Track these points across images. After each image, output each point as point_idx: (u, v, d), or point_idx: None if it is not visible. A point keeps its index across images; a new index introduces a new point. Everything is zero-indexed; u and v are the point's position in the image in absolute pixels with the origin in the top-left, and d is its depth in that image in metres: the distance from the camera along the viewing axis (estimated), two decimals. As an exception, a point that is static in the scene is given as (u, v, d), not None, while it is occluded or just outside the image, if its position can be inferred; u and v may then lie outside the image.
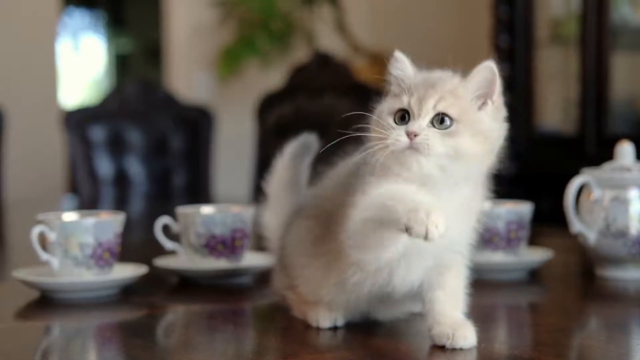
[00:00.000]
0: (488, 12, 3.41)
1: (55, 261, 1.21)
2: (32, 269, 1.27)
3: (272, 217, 1.20)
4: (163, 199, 3.09)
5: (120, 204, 2.89)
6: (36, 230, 1.21)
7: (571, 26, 3.29)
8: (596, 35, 3.12)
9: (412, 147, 0.93)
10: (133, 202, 3.00)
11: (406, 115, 0.95)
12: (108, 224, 1.23)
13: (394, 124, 0.95)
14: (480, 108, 0.96)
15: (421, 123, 0.94)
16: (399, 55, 1.00)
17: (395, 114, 0.95)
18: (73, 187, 3.60)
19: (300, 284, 1.07)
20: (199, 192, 3.17)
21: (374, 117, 0.97)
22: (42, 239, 1.22)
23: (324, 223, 1.03)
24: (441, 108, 0.94)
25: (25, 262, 1.37)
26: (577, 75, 3.20)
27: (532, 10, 3.33)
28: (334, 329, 1.04)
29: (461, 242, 0.99)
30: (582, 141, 3.15)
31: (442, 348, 0.95)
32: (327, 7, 4.34)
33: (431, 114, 0.94)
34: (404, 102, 0.95)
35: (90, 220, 1.23)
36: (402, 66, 0.99)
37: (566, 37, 3.35)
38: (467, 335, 0.95)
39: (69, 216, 1.25)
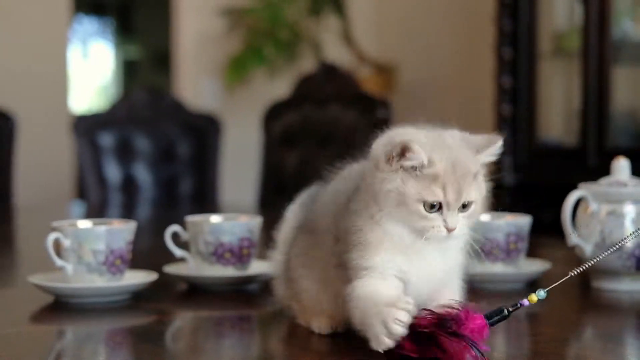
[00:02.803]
0: (492, 24, 3.45)
1: (69, 267, 1.25)
2: (46, 275, 1.31)
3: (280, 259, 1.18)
4: (170, 205, 3.13)
5: (127, 209, 2.93)
6: (51, 237, 1.24)
7: (573, 39, 3.32)
8: (598, 49, 3.16)
9: (450, 236, 0.97)
10: (140, 208, 3.03)
11: (438, 204, 0.96)
12: (120, 232, 1.27)
13: (425, 213, 0.96)
14: (476, 174, 0.99)
15: (456, 216, 0.97)
16: (412, 146, 0.95)
17: (425, 203, 0.96)
18: (81, 193, 3.64)
19: (302, 294, 1.10)
20: (206, 199, 3.20)
21: (389, 190, 0.96)
22: (57, 246, 1.26)
23: (319, 239, 1.06)
24: (471, 197, 0.97)
25: (35, 267, 1.40)
26: (578, 87, 3.23)
27: (535, 23, 3.37)
28: (336, 335, 1.07)
29: (451, 277, 1.03)
30: (584, 153, 3.18)
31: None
32: (333, 18, 4.38)
33: (461, 204, 0.97)
34: (438, 195, 0.95)
35: (103, 228, 1.27)
36: (418, 157, 0.96)
37: (568, 50, 3.38)
38: None
39: (83, 224, 1.29)
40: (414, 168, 0.96)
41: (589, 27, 3.16)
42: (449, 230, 0.96)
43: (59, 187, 4.26)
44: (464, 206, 0.97)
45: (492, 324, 0.97)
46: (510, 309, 0.99)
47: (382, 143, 0.98)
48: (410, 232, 0.97)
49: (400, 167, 0.96)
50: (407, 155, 0.95)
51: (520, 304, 0.99)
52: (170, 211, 2.90)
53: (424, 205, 0.96)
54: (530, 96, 3.37)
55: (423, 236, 0.96)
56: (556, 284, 1.04)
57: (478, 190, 0.98)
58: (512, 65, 3.37)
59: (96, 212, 2.73)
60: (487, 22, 3.54)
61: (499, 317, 0.98)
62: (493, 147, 0.99)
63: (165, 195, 3.24)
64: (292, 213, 1.19)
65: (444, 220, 0.96)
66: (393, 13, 4.50)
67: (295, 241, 1.12)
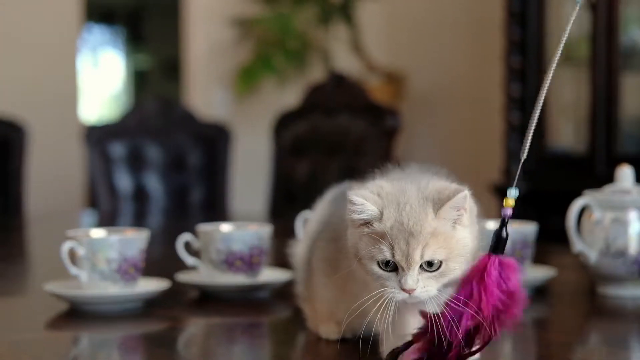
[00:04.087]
0: (501, 32, 3.46)
1: (83, 275, 1.27)
2: (61, 283, 1.34)
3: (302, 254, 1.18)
4: (180, 214, 3.15)
5: (138, 219, 2.95)
6: (66, 246, 1.27)
7: (582, 47, 3.34)
8: (606, 56, 3.17)
9: (412, 298, 0.91)
10: (151, 217, 3.05)
11: (393, 263, 0.91)
12: (133, 240, 1.30)
13: (380, 272, 0.91)
14: (454, 224, 0.92)
15: (413, 276, 0.90)
16: (355, 199, 0.92)
17: (380, 262, 0.91)
18: (92, 202, 3.66)
19: (318, 300, 1.11)
20: (216, 208, 3.22)
21: (350, 246, 0.94)
22: (71, 254, 1.29)
23: (335, 247, 1.06)
24: (428, 257, 0.90)
25: (49, 276, 1.43)
26: (587, 95, 3.24)
27: (543, 32, 3.38)
28: (344, 341, 1.09)
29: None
30: (592, 160, 3.19)
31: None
32: (342, 27, 4.41)
33: (419, 264, 0.90)
34: (386, 254, 0.90)
35: (117, 237, 1.30)
36: (363, 208, 0.92)
37: (577, 58, 3.40)
38: None
39: (97, 233, 1.31)
40: (367, 225, 0.92)
41: (598, 35, 3.18)
42: (406, 291, 0.90)
43: (70, 197, 4.29)
44: (430, 264, 0.91)
45: (499, 253, 0.90)
46: (504, 229, 0.91)
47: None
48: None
49: (359, 224, 0.92)
50: (356, 210, 0.92)
51: (506, 216, 0.92)
52: (181, 220, 2.92)
53: (378, 264, 0.91)
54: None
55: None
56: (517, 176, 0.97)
57: (445, 248, 0.90)
58: (521, 74, 3.39)
59: (107, 221, 2.76)
60: (496, 30, 3.56)
61: (499, 242, 0.90)
62: (452, 201, 0.91)
63: (175, 204, 3.26)
64: (321, 206, 1.18)
65: (399, 281, 0.90)
66: (402, 22, 4.52)
67: (319, 243, 1.11)
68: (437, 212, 0.91)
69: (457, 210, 0.92)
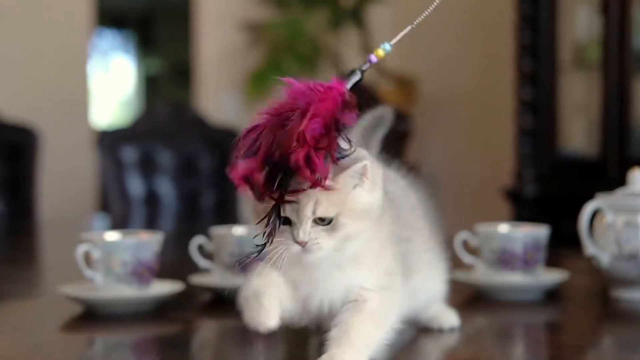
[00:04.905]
0: (512, 36, 3.47)
1: (98, 277, 1.29)
2: (76, 285, 1.35)
3: None
4: (192, 218, 3.16)
5: (150, 223, 2.96)
6: (81, 249, 1.28)
7: (594, 51, 3.34)
8: (618, 60, 3.17)
9: (305, 251, 0.93)
10: (163, 222, 3.07)
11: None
12: (148, 243, 1.31)
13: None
14: (355, 187, 0.94)
15: (305, 229, 0.92)
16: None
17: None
18: (104, 206, 3.68)
19: None
20: (227, 212, 3.23)
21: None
22: (86, 257, 1.30)
23: None
24: (319, 214, 0.92)
25: (62, 279, 1.44)
26: (599, 99, 3.24)
27: (555, 36, 3.38)
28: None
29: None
30: (604, 164, 3.19)
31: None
32: (353, 31, 4.42)
33: (311, 219, 0.92)
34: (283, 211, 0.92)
35: (131, 239, 1.31)
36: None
37: (589, 61, 3.40)
38: None
39: (112, 236, 1.32)
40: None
41: (610, 38, 3.18)
42: (299, 243, 0.92)
43: (82, 201, 4.30)
44: (323, 220, 0.92)
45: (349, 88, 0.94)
46: (363, 68, 0.96)
47: None
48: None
49: None
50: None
51: (370, 61, 0.97)
52: (193, 224, 2.93)
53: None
54: (551, 108, 3.38)
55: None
56: (400, 35, 1.02)
57: (337, 206, 0.92)
58: (532, 77, 3.39)
59: (119, 225, 2.77)
60: (507, 34, 3.57)
61: (353, 77, 0.94)
62: (350, 170, 0.92)
63: (187, 208, 3.27)
64: (355, 137, 1.17)
65: (292, 234, 0.92)
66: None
67: None
68: (335, 177, 0.92)
69: (358, 178, 0.93)
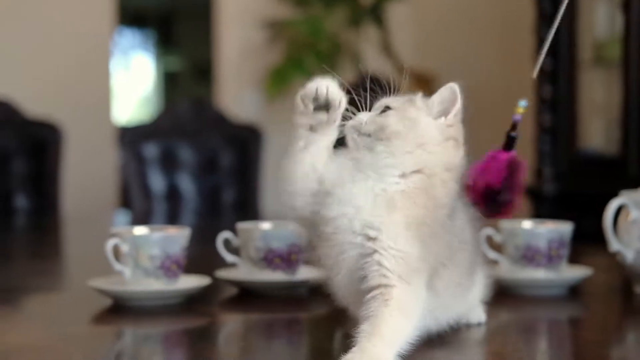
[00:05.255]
0: (531, 34, 3.46)
1: (127, 271, 1.30)
2: (105, 279, 1.37)
3: None
4: (213, 214, 3.18)
5: (171, 219, 2.98)
6: (111, 243, 1.30)
7: (614, 48, 3.33)
8: (639, 57, 3.16)
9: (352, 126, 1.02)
10: (184, 218, 3.09)
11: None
12: (176, 238, 1.32)
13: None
14: (433, 117, 1.03)
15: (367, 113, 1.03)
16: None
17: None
18: (125, 202, 3.70)
19: None
20: (248, 209, 3.25)
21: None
22: (116, 251, 1.31)
23: None
24: (387, 103, 1.03)
25: (88, 273, 1.45)
26: (619, 96, 3.23)
27: (575, 33, 3.38)
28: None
29: (387, 243, 0.97)
30: (625, 162, 3.18)
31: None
32: (373, 29, 4.42)
33: (379, 109, 1.03)
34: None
35: (160, 234, 1.32)
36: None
37: (609, 59, 3.39)
38: None
39: (140, 230, 1.34)
40: None
41: (630, 35, 3.17)
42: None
43: (104, 197, 4.34)
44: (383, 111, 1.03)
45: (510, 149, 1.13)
46: (514, 133, 1.14)
47: None
48: None
49: None
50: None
51: (516, 121, 1.15)
52: (213, 220, 2.95)
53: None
54: (571, 106, 3.38)
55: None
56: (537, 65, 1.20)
57: (404, 106, 1.04)
58: (552, 75, 3.38)
59: (141, 221, 2.79)
60: (526, 31, 3.56)
61: (511, 141, 1.13)
62: (444, 90, 1.08)
63: (208, 204, 3.29)
64: None
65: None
66: (432, 24, 4.53)
67: None
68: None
69: (444, 103, 1.07)
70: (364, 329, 0.94)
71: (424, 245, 0.98)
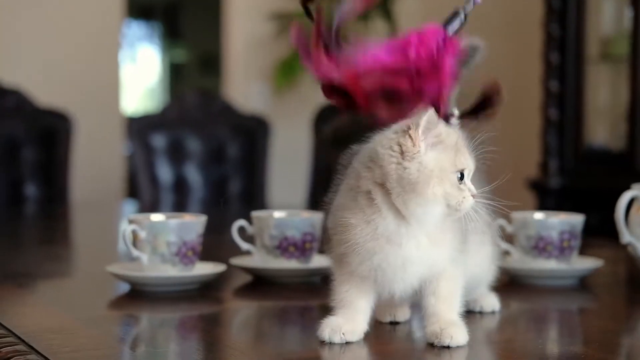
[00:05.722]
0: (540, 29, 3.47)
1: (144, 257, 1.32)
2: (122, 264, 1.38)
3: None
4: (219, 204, 3.20)
5: (178, 209, 3.00)
6: (129, 229, 1.32)
7: (622, 44, 3.34)
8: (646, 54, 3.17)
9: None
10: (191, 208, 3.10)
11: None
12: (192, 225, 1.34)
13: (459, 184, 0.97)
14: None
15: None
16: (434, 119, 0.97)
17: (457, 173, 0.98)
18: (133, 192, 3.72)
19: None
20: (254, 200, 3.26)
21: (426, 169, 0.96)
22: (134, 237, 1.33)
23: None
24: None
25: (101, 259, 1.48)
26: (626, 92, 3.24)
27: (582, 28, 3.38)
28: (396, 323, 1.12)
29: (443, 259, 1.02)
30: (631, 157, 3.19)
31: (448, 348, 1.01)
32: (381, 22, 4.43)
33: None
34: (464, 163, 0.98)
35: (177, 221, 1.34)
36: (436, 123, 0.97)
37: (616, 54, 3.40)
38: (453, 335, 0.99)
39: (157, 217, 1.36)
40: (438, 141, 0.96)
41: (638, 32, 3.18)
42: (474, 196, 0.97)
43: (111, 187, 4.35)
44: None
45: (449, 29, 1.01)
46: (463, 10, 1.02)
47: (389, 136, 0.97)
48: (433, 215, 0.97)
49: (427, 144, 0.95)
50: (432, 128, 0.95)
51: (475, 2, 1.02)
52: (221, 211, 2.97)
53: (457, 178, 0.97)
54: (578, 100, 3.39)
55: (454, 211, 0.96)
56: None
57: None
58: (559, 70, 3.39)
59: (148, 211, 2.81)
60: (535, 27, 3.57)
61: (455, 18, 1.01)
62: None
63: (215, 195, 3.31)
64: None
65: (469, 189, 0.98)
66: (440, 17, 4.53)
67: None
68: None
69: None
70: (432, 302, 1.02)
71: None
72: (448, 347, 1.00)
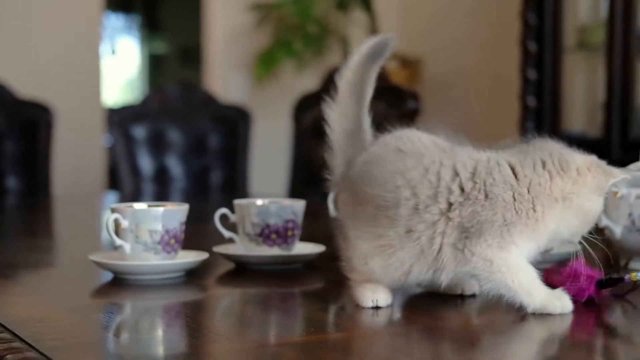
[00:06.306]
0: (517, 18, 3.50)
1: (127, 246, 1.33)
2: (106, 253, 1.39)
3: (336, 117, 1.20)
4: (200, 195, 3.20)
5: (160, 199, 3.00)
6: (111, 218, 1.32)
7: (598, 33, 3.37)
8: (622, 42, 3.20)
9: None
10: (172, 198, 3.10)
11: None
12: (174, 213, 1.35)
13: None
14: None
15: None
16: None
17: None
18: (114, 184, 3.71)
19: (353, 257, 1.14)
20: (236, 190, 3.27)
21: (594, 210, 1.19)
22: (115, 226, 1.34)
23: (373, 207, 1.09)
24: None
25: (84, 249, 1.48)
26: (603, 80, 3.27)
27: (560, 18, 3.41)
28: (378, 308, 1.13)
29: None
30: (608, 144, 3.22)
31: (479, 324, 1.04)
32: (360, 12, 4.44)
33: None
34: None
35: (160, 209, 1.35)
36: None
37: (593, 43, 3.43)
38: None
39: (140, 206, 1.37)
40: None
41: (614, 21, 3.21)
42: None
43: (92, 179, 4.35)
44: None
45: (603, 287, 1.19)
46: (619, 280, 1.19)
47: (595, 161, 1.21)
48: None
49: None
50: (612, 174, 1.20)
51: (625, 279, 1.20)
52: (203, 201, 2.97)
53: None
54: (555, 88, 3.42)
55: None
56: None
57: None
58: (537, 59, 3.42)
59: (130, 201, 2.81)
60: (512, 16, 3.60)
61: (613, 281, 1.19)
62: None
63: (196, 185, 3.31)
64: (352, 65, 1.17)
65: None
66: (419, 7, 4.55)
67: (341, 191, 1.17)
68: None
69: None
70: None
71: None
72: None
